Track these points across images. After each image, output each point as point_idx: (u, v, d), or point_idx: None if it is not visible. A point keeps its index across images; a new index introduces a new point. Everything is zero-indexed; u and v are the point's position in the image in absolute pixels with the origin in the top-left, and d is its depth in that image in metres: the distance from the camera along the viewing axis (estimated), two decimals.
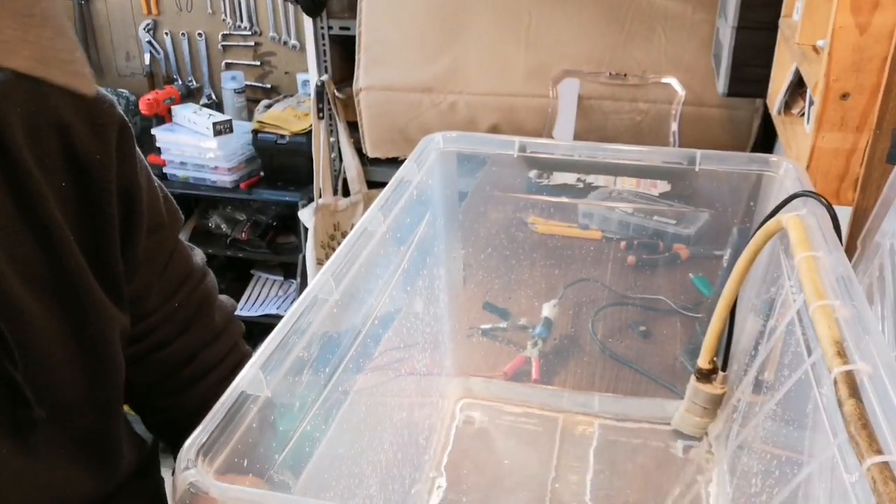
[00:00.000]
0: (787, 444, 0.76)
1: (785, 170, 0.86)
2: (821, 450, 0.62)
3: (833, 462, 0.56)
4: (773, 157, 0.87)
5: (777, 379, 0.79)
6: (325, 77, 2.16)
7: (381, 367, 0.79)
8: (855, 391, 0.49)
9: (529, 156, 0.91)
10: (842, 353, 0.52)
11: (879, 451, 0.44)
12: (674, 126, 1.69)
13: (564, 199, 1.06)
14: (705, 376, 0.92)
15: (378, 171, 2.19)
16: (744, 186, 0.92)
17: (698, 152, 0.88)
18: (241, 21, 2.49)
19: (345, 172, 2.22)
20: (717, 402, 0.94)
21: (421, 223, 0.86)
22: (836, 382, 0.50)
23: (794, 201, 0.76)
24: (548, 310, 1.10)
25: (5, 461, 0.58)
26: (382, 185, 0.81)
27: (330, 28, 2.20)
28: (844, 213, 0.88)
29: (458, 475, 0.93)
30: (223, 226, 2.40)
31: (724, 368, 0.92)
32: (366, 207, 2.21)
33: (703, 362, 0.91)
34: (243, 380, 0.52)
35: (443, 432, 0.98)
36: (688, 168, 0.89)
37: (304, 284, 2.36)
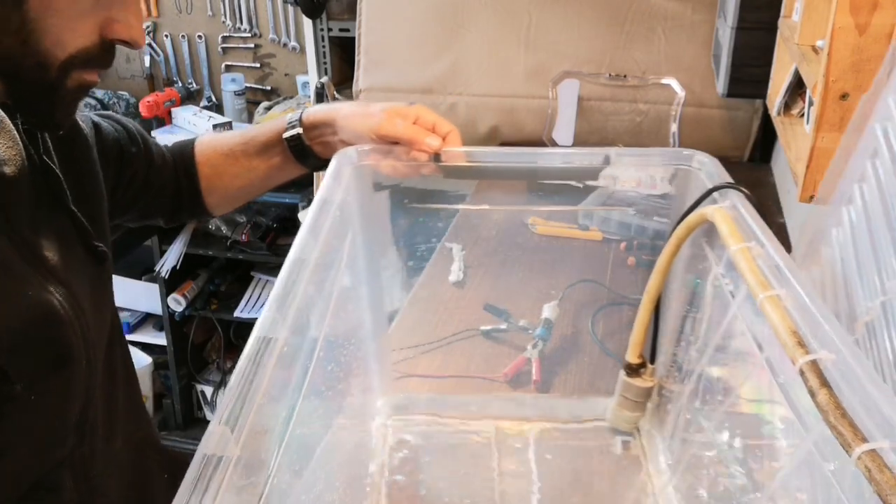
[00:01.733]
0: (722, 430, 0.77)
1: (699, 163, 0.86)
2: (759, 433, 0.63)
3: (775, 445, 0.57)
4: (685, 151, 0.88)
5: (712, 367, 0.80)
6: (325, 79, 2.16)
7: (323, 397, 0.75)
8: (824, 380, 0.49)
9: (444, 164, 0.89)
10: (802, 343, 0.52)
11: (864, 440, 0.44)
12: (674, 127, 1.70)
13: (562, 205, 1.06)
14: (634, 370, 0.92)
15: None
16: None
17: (613, 150, 0.89)
18: (241, 23, 2.49)
19: None
20: (647, 395, 0.94)
21: (345, 243, 0.82)
22: (802, 373, 0.50)
23: (713, 193, 0.78)
24: (548, 311, 1.10)
25: (91, 289, 0.74)
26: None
27: (330, 30, 2.20)
28: None
29: (400, 498, 0.89)
30: (223, 227, 2.40)
31: (652, 361, 0.92)
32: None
33: (631, 357, 0.92)
34: (210, 439, 0.48)
35: (379, 455, 0.94)
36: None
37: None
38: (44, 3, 0.61)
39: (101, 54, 0.67)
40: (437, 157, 0.86)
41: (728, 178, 0.79)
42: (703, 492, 0.81)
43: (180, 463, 0.76)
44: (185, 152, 0.99)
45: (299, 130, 0.93)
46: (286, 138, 0.94)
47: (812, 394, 0.48)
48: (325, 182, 0.81)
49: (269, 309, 0.60)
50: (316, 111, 0.94)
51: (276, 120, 0.97)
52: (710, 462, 0.80)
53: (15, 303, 0.65)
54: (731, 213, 0.71)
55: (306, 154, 0.95)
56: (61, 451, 0.72)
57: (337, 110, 0.92)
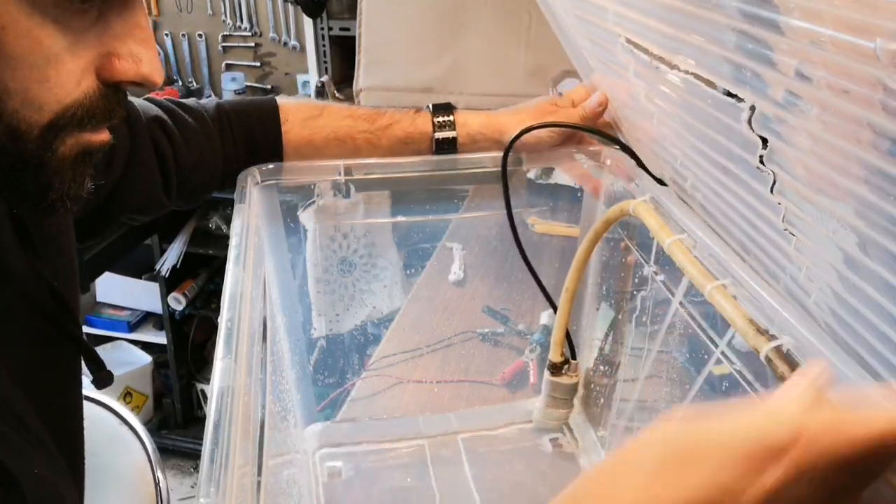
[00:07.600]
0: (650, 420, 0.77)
1: (611, 158, 0.87)
2: None
3: None
4: (592, 148, 0.89)
5: (636, 359, 0.80)
6: (325, 78, 2.16)
7: (275, 441, 0.73)
8: (794, 365, 0.49)
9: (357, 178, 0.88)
10: (762, 331, 0.52)
11: None
12: None
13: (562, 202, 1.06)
14: (558, 368, 0.92)
15: None
16: None
17: (524, 154, 0.90)
18: (242, 22, 2.49)
19: None
20: (573, 392, 0.95)
21: (262, 270, 0.79)
22: (769, 360, 0.50)
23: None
24: (546, 317, 1.10)
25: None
26: None
27: (330, 29, 2.20)
28: None
29: None
30: (223, 226, 2.39)
31: (573, 357, 0.92)
32: (366, 208, 2.21)
33: (554, 355, 0.92)
34: None
35: (312, 490, 0.92)
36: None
37: (302, 285, 2.35)
38: None
39: (104, 105, 0.50)
40: (348, 171, 0.87)
41: (639, 173, 0.79)
42: None
43: None
44: (266, 134, 0.88)
45: (454, 134, 0.88)
46: (439, 139, 0.88)
47: (784, 381, 0.48)
48: (236, 207, 0.78)
49: (222, 358, 0.57)
50: (471, 122, 0.90)
51: (404, 111, 0.90)
52: None
53: None
54: (654, 205, 0.71)
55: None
56: None
57: (496, 118, 0.90)
